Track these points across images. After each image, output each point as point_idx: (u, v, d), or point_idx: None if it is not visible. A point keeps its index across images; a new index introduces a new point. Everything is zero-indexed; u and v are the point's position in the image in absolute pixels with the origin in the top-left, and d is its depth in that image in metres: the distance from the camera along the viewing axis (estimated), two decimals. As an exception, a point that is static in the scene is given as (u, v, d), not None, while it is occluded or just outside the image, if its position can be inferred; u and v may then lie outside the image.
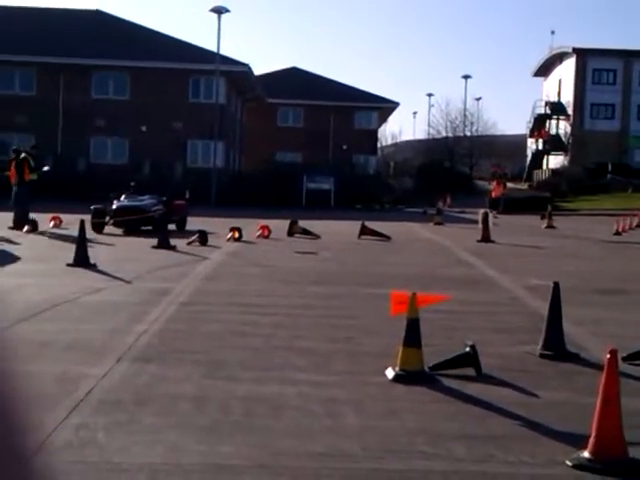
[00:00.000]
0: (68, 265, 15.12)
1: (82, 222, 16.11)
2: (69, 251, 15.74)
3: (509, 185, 49.80)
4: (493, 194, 44.32)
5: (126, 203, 23.64)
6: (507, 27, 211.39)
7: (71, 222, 23.35)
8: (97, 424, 5.94)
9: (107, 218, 22.96)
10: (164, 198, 23.88)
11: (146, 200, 23.93)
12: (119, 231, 22.75)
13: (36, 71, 47.65)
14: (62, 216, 24.77)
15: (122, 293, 12.40)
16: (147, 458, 5.31)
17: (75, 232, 16.33)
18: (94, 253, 15.86)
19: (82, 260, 15.27)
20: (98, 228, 22.08)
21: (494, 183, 46.41)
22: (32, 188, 23.94)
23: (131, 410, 6.35)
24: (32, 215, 23.27)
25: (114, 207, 23.31)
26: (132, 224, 22.59)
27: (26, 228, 22.30)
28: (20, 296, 11.65)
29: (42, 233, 22.33)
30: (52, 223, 24.13)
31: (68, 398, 6.54)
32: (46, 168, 25.56)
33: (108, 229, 22.66)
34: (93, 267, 15.09)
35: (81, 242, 15.55)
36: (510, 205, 42.98)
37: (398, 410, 6.60)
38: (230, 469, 5.18)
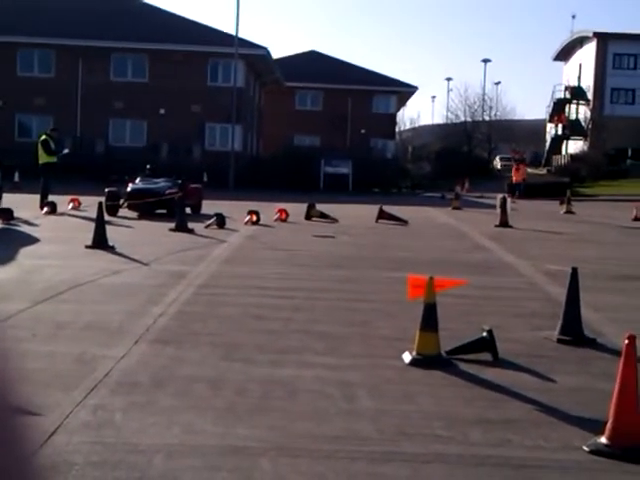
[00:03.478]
0: (87, 247, 15.19)
1: (100, 204, 16.20)
2: (88, 233, 15.80)
3: (527, 170, 49.59)
4: (513, 179, 44.17)
5: (140, 186, 23.61)
6: (527, 11, 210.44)
7: (90, 204, 23.44)
8: (115, 405, 5.98)
9: (121, 201, 22.98)
10: (179, 181, 23.89)
11: (160, 183, 23.88)
12: (134, 214, 22.79)
13: (55, 53, 47.74)
14: (80, 198, 24.83)
15: (140, 275, 12.45)
16: (164, 439, 5.34)
17: (93, 214, 16.40)
18: (112, 235, 15.91)
19: (100, 242, 15.34)
20: (112, 211, 22.07)
21: (514, 168, 46.23)
22: (49, 170, 24.02)
23: (148, 391, 6.38)
24: (51, 197, 23.38)
25: (128, 190, 23.31)
26: (146, 207, 22.59)
27: (45, 210, 22.40)
28: (39, 277, 11.71)
29: (61, 215, 22.42)
30: (71, 205, 24.21)
31: (86, 379, 6.58)
32: (66, 151, 25.63)
33: (123, 212, 22.70)
34: (111, 249, 15.16)
35: (99, 224, 15.61)
36: (529, 190, 42.84)
37: (414, 394, 6.60)
38: (246, 451, 5.20)
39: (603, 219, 29.17)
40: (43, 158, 24.00)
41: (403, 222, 23.68)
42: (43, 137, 24.38)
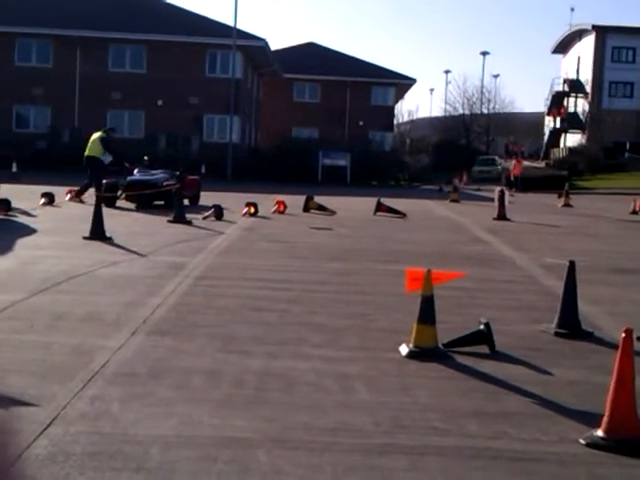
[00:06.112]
0: (84, 238, 15.17)
1: (98, 195, 16.17)
2: (85, 224, 15.78)
3: (525, 163, 49.66)
4: (513, 172, 44.19)
5: (138, 177, 23.56)
6: (526, 3, 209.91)
7: (87, 195, 23.43)
8: (112, 396, 5.98)
9: (119, 192, 22.94)
10: (177, 173, 23.85)
11: (158, 175, 23.85)
12: (132, 205, 22.76)
13: (53, 43, 47.64)
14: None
15: (138, 266, 12.44)
16: (160, 430, 5.34)
17: (91, 205, 16.37)
18: (110, 227, 15.89)
19: (98, 233, 15.32)
20: (110, 202, 22.04)
21: (514, 162, 46.26)
22: (98, 165, 23.71)
23: (146, 383, 6.38)
24: (48, 188, 23.29)
25: (126, 181, 23.26)
26: (144, 199, 22.56)
27: (42, 201, 22.33)
28: (36, 268, 11.70)
29: (59, 206, 22.39)
30: (68, 196, 24.17)
31: (83, 370, 6.58)
32: (110, 159, 24.72)
33: (120, 203, 22.67)
34: (109, 240, 15.14)
35: (97, 215, 15.59)
36: (527, 183, 42.87)
37: (411, 386, 6.61)
38: (243, 442, 5.20)
39: (601, 212, 29.20)
40: (97, 152, 23.65)
41: (401, 215, 23.68)
42: (101, 134, 24.08)
